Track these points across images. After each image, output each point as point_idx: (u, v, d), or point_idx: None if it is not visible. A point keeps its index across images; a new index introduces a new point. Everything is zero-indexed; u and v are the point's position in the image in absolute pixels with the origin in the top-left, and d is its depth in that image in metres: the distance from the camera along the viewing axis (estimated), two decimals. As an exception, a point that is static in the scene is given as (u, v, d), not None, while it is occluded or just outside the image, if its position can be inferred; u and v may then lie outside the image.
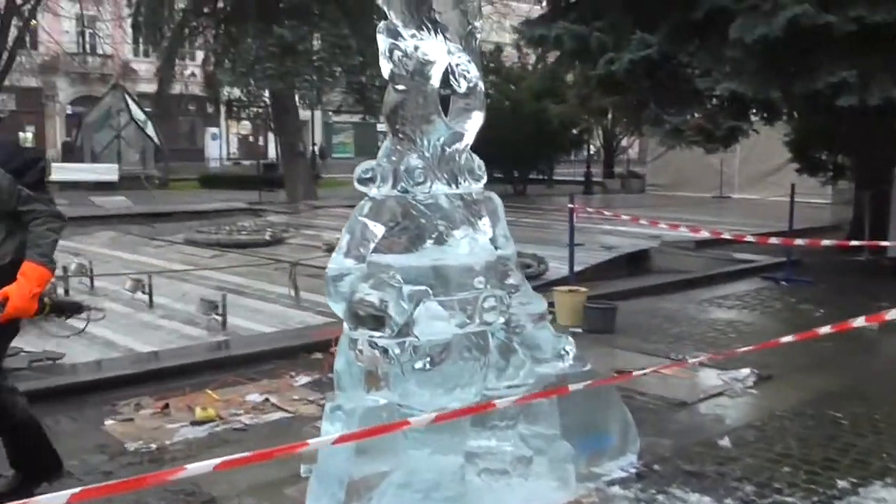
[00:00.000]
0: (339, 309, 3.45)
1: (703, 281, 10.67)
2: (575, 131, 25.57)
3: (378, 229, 3.46)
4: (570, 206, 9.14)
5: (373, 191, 3.49)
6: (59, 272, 11.74)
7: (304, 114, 30.53)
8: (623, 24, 11.03)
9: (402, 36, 3.47)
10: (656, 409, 5.39)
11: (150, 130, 29.28)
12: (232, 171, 36.33)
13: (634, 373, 4.29)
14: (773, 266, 11.23)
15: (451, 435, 3.42)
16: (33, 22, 34.71)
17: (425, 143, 3.52)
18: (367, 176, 3.47)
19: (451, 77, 3.63)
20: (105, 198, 22.06)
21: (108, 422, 5.19)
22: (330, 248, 8.33)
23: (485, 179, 3.78)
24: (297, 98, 22.57)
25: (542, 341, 3.96)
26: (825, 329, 3.79)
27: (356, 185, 3.49)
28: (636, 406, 5.08)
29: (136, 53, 41.10)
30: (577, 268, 11.29)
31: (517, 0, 32.39)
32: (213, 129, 45.77)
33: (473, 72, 3.64)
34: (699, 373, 6.21)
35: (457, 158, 3.62)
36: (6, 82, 31.68)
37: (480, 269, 3.52)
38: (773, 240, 9.27)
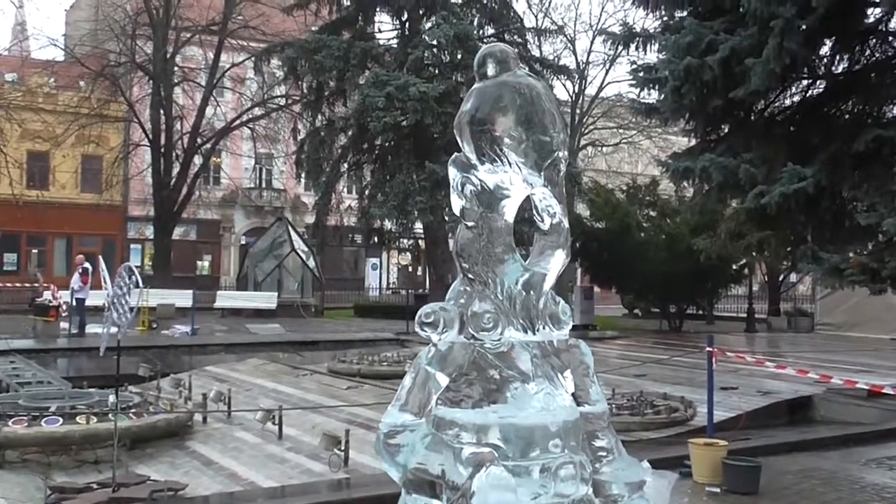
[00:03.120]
0: (392, 472, 3.07)
1: (873, 437, 9.52)
2: (735, 266, 24.47)
3: (442, 379, 3.09)
4: (707, 349, 8.40)
5: (434, 337, 3.13)
6: (198, 398, 12.05)
7: (458, 246, 30.92)
8: (775, 156, 10.43)
9: (475, 168, 3.18)
10: None
11: (311, 262, 30.46)
12: (386, 301, 37.07)
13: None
14: (961, 421, 9.93)
15: None
16: (216, 159, 37.67)
17: (497, 284, 3.16)
18: (429, 320, 3.13)
19: (534, 213, 3.29)
20: (260, 325, 22.83)
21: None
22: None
23: (570, 326, 3.35)
24: (447, 230, 22.91)
25: (639, 516, 3.39)
26: None
27: (416, 328, 3.15)
28: None
29: (306, 188, 43.51)
30: (729, 414, 10.44)
31: (676, 134, 32.00)
32: (374, 260, 47.26)
33: (557, 207, 3.28)
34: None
35: (535, 302, 3.23)
36: (187, 214, 34.23)
37: (557, 430, 3.05)
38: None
